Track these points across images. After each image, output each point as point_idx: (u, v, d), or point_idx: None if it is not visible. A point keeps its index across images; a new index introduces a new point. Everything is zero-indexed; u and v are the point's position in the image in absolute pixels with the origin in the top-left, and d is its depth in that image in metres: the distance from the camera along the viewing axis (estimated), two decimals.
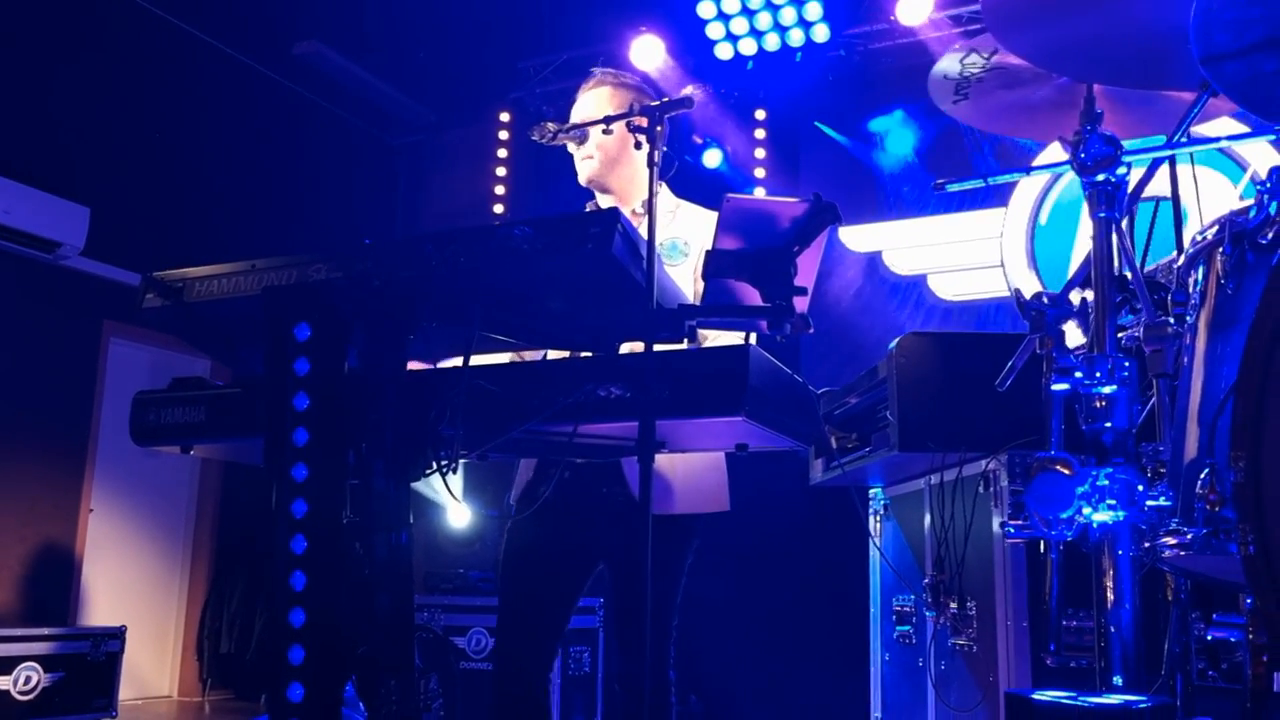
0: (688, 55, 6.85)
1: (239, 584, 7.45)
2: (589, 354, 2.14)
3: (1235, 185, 5.31)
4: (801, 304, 1.97)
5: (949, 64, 2.17)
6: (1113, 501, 1.56)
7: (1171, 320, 1.74)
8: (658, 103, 2.13)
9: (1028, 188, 6.23)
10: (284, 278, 2.13)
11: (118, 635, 5.87)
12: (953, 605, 2.87)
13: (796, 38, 6.66)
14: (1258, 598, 1.12)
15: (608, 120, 2.33)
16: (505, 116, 7.77)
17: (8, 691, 5.25)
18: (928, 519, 3.13)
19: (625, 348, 2.17)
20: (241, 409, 2.27)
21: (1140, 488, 1.57)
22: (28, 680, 5.34)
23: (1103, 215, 1.74)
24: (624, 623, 2.70)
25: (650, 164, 2.14)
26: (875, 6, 6.54)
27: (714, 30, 6.77)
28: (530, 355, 2.58)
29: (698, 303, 2.28)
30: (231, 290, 2.20)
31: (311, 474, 1.97)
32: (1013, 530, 1.65)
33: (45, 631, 5.55)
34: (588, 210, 2.91)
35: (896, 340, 2.82)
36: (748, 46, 6.78)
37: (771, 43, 6.73)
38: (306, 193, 7.61)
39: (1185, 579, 1.77)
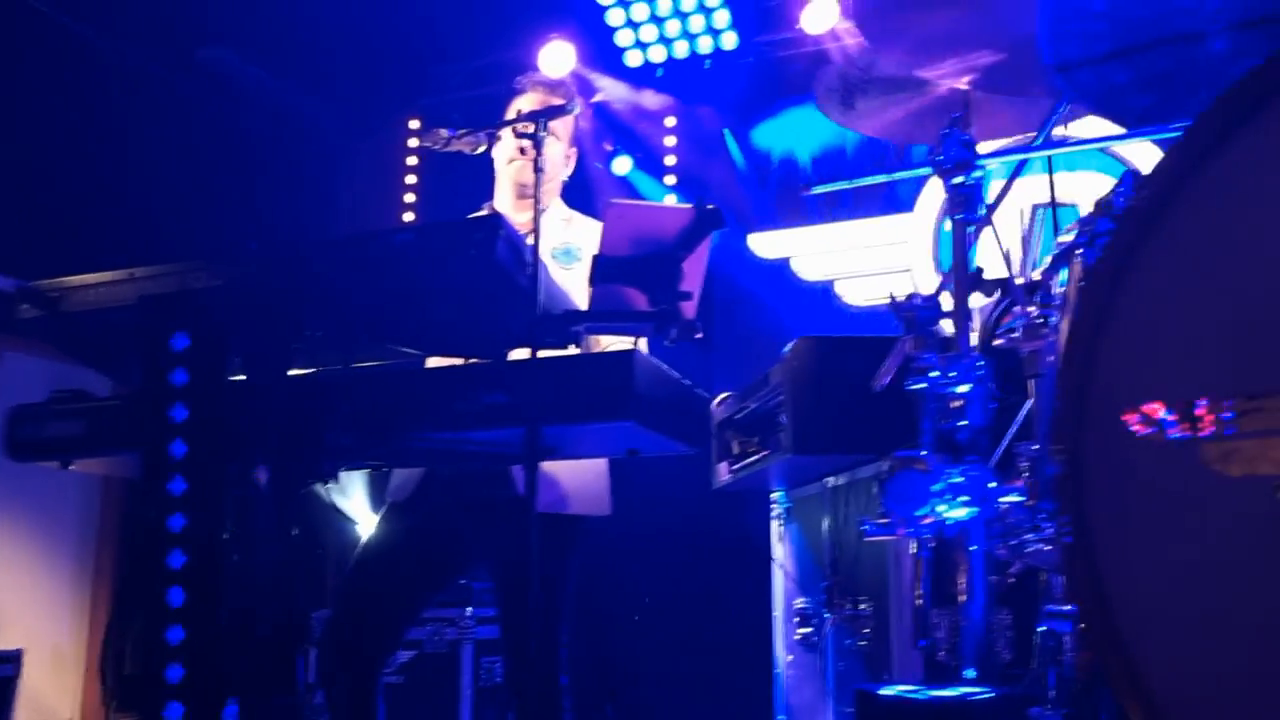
0: (598, 62, 6.86)
1: (145, 603, 7.24)
2: (475, 360, 2.13)
3: None
4: (689, 309, 1.98)
5: (830, 76, 2.21)
6: (966, 498, 1.60)
7: (1043, 320, 1.78)
8: (539, 109, 2.13)
9: (933, 194, 6.33)
10: (163, 286, 2.08)
11: (13, 659, 5.66)
12: (848, 606, 2.90)
13: (705, 45, 6.71)
14: (1072, 587, 1.16)
15: (495, 126, 2.32)
16: (415, 124, 7.69)
17: None
18: (826, 521, 3.17)
19: (516, 354, 2.16)
20: (122, 422, 2.22)
21: (992, 484, 1.61)
22: None
23: (960, 217, 1.78)
24: (510, 629, 2.70)
25: (536, 169, 2.13)
26: (782, 15, 6.61)
27: (623, 38, 6.78)
28: (438, 362, 2.57)
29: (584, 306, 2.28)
30: (109, 300, 2.14)
31: (190, 487, 1.93)
32: (870, 529, 1.68)
33: None
34: (472, 216, 2.90)
35: (790, 344, 2.84)
36: (657, 54, 6.80)
37: (681, 50, 6.77)
38: (206, 200, 7.43)
39: (1053, 574, 1.81)
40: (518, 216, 2.83)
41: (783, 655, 3.55)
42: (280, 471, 1.99)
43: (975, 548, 1.59)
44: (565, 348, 2.00)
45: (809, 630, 3.26)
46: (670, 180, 6.94)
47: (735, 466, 3.20)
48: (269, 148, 7.90)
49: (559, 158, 2.95)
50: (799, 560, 3.51)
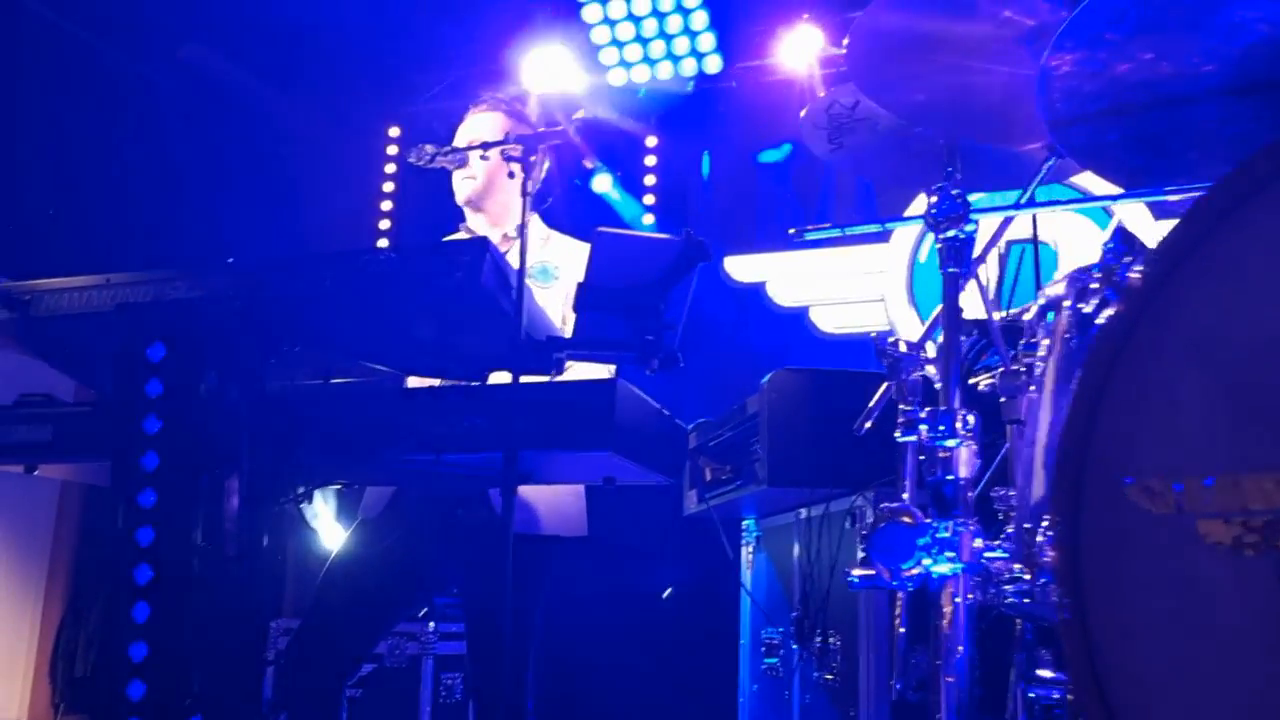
0: (581, 80, 6.85)
1: (97, 605, 7.13)
2: (456, 383, 2.11)
3: (1103, 230, 5.52)
4: (671, 339, 1.97)
5: (815, 112, 2.22)
6: (952, 554, 1.59)
7: (1022, 369, 1.79)
8: (532, 132, 2.12)
9: (908, 226, 6.38)
10: (140, 294, 2.05)
11: None
12: (817, 639, 2.90)
13: (689, 67, 6.73)
14: (1067, 661, 1.16)
15: (484, 146, 2.31)
16: (395, 131, 7.66)
17: None
18: (797, 552, 3.16)
19: (494, 377, 2.15)
20: (91, 429, 2.18)
21: (979, 542, 1.61)
22: None
23: (952, 270, 1.79)
24: (477, 649, 2.69)
25: (524, 193, 2.12)
26: (767, 41, 6.63)
27: (607, 56, 6.79)
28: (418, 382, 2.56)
29: (565, 326, 2.27)
30: (83, 305, 2.11)
31: (160, 500, 1.90)
32: (856, 580, 1.67)
33: None
34: (458, 237, 2.89)
35: (769, 375, 2.85)
36: (640, 74, 6.81)
37: (664, 71, 6.78)
38: (184, 202, 7.37)
39: (1030, 622, 1.82)
40: (492, 235, 2.83)
41: (747, 684, 3.54)
42: (253, 487, 1.96)
43: (959, 599, 1.59)
44: (548, 374, 1.99)
45: (775, 661, 3.26)
46: (649, 200, 6.95)
47: (707, 495, 3.19)
48: (246, 149, 7.85)
49: (492, 172, 2.89)
50: (768, 590, 3.50)
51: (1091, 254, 1.75)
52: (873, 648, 2.57)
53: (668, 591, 4.89)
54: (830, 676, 2.87)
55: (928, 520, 1.58)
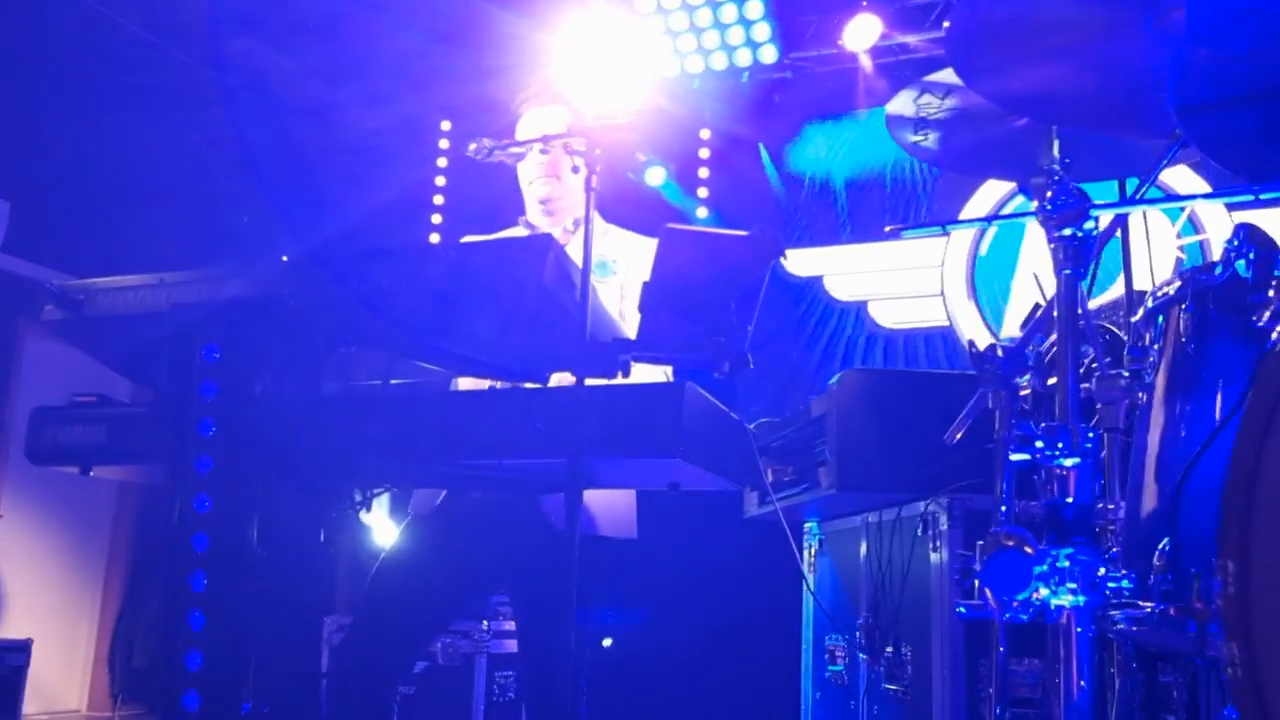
0: (634, 71, 6.77)
1: (155, 596, 7.19)
2: (516, 384, 2.04)
3: (1173, 223, 5.34)
4: (741, 341, 1.89)
5: (903, 104, 2.10)
6: (1074, 585, 1.47)
7: (1125, 373, 1.68)
8: (593, 126, 2.03)
9: (969, 214, 6.23)
10: (194, 294, 2.00)
11: (23, 649, 5.61)
12: (888, 650, 2.80)
13: (744, 58, 6.61)
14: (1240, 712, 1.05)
15: (545, 140, 2.24)
16: (446, 125, 7.62)
17: None
18: (864, 557, 3.06)
19: (556, 379, 2.07)
20: (146, 431, 2.14)
21: (1102, 570, 1.49)
22: None
23: (1068, 272, 1.66)
24: (531, 654, 2.63)
25: (588, 189, 2.04)
26: (823, 31, 6.50)
27: (661, 47, 6.70)
28: (469, 383, 2.49)
29: (623, 322, 2.19)
30: (137, 305, 2.06)
31: (215, 505, 1.85)
32: (965, 610, 1.56)
33: None
34: (514, 232, 2.82)
35: (838, 376, 2.75)
36: (694, 64, 6.71)
37: (719, 61, 6.68)
38: (230, 195, 7.39)
39: (1132, 646, 1.71)
40: (551, 230, 2.76)
41: (810, 691, 3.45)
42: (309, 493, 1.91)
43: (1081, 630, 1.47)
44: (612, 377, 1.92)
45: (839, 669, 3.16)
46: (702, 193, 6.85)
47: (770, 498, 3.10)
48: (297, 144, 7.86)
49: (557, 165, 2.78)
50: (832, 595, 3.40)
51: (1165, 249, 1.64)
52: (946, 661, 2.47)
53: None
54: (900, 688, 2.77)
55: (1042, 545, 1.46)
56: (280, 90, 7.44)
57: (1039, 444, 1.55)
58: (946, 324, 6.21)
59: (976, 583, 1.50)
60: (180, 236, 6.81)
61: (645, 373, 2.35)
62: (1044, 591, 1.45)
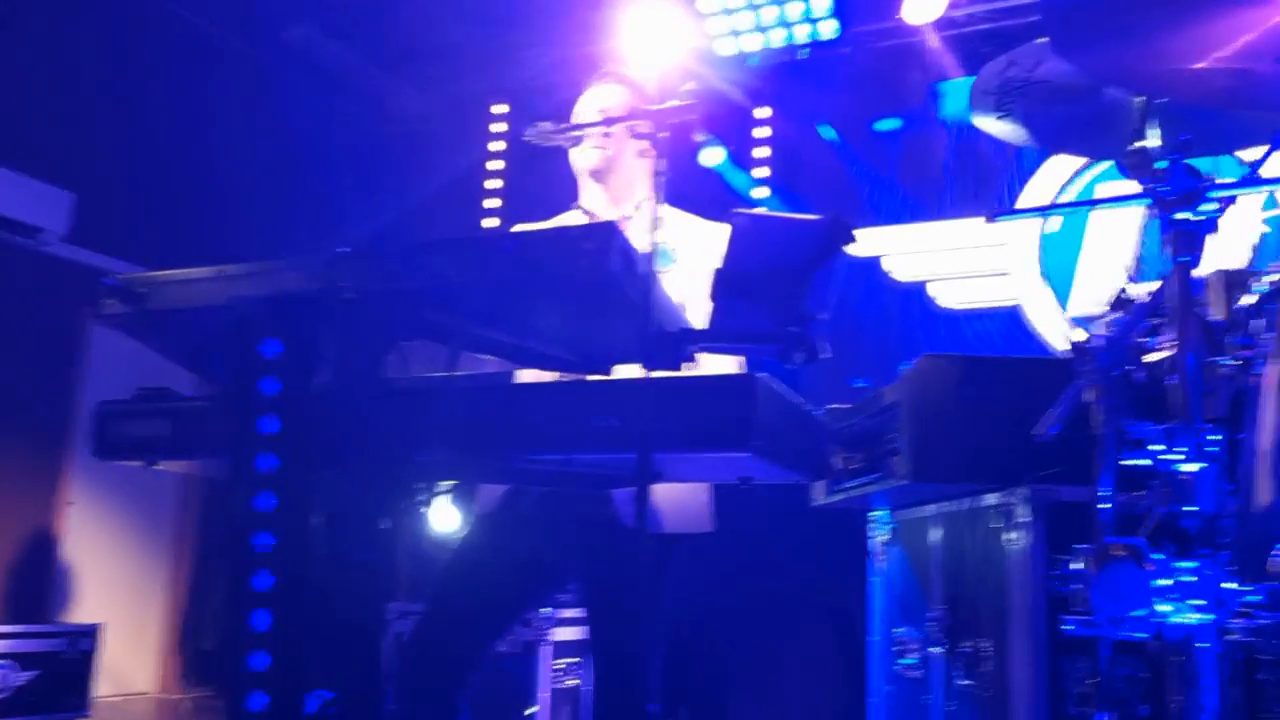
0: (689, 50, 6.67)
1: (221, 581, 7.27)
2: (580, 377, 1.99)
3: (1265, 211, 5.14)
4: (817, 329, 1.81)
5: (989, 78, 2.00)
6: (1201, 602, 1.36)
7: (1227, 361, 1.58)
8: (655, 107, 1.96)
9: (1033, 194, 6.07)
10: (255, 287, 1.97)
11: (90, 634, 5.71)
12: (965, 644, 2.71)
13: (802, 34, 6.49)
14: None
15: (608, 123, 2.17)
16: (501, 109, 7.58)
17: None
18: (937, 548, 2.97)
19: (619, 370, 2.01)
20: (208, 426, 2.12)
21: (1233, 585, 1.38)
22: (3, 679, 5.19)
23: (1185, 259, 1.55)
24: (600, 652, 2.58)
25: (655, 172, 1.97)
26: (884, 4, 6.36)
27: (716, 25, 6.59)
28: (530, 375, 2.44)
29: (685, 309, 2.13)
30: (197, 298, 2.04)
31: (279, 504, 1.82)
32: (1073, 628, 1.46)
33: (19, 629, 5.38)
34: (571, 216, 2.75)
35: (912, 363, 2.66)
36: (751, 42, 6.60)
37: (777, 38, 6.55)
38: (290, 183, 7.42)
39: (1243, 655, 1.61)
40: (611, 214, 2.69)
41: (880, 685, 3.37)
42: (372, 491, 1.87)
43: (1207, 645, 1.37)
44: (678, 368, 1.85)
45: (911, 662, 3.08)
46: (761, 173, 6.74)
47: (839, 487, 3.02)
48: (351, 131, 7.87)
49: (620, 147, 2.69)
50: (902, 587, 3.31)
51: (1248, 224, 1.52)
52: (1027, 658, 2.38)
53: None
54: (978, 684, 2.68)
55: (1159, 556, 1.37)
56: (332, 77, 7.45)
57: (1157, 447, 1.45)
58: (1008, 303, 6.07)
59: (1079, 593, 1.41)
60: (247, 227, 6.85)
61: (716, 363, 2.28)
62: (1165, 609, 1.35)
